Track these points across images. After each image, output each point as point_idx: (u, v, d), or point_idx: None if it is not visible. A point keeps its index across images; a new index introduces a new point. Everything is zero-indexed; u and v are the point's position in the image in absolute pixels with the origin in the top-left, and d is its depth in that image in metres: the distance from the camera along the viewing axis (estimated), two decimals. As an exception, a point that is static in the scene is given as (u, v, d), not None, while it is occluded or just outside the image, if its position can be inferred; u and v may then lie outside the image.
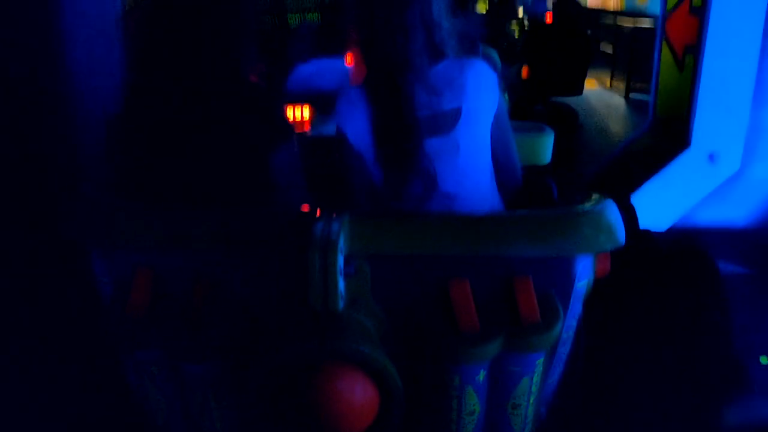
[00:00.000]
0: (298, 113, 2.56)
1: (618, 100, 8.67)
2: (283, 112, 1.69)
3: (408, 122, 1.67)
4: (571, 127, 7.06)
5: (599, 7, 15.13)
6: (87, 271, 1.56)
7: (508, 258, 1.43)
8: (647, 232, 3.02)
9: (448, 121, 1.71)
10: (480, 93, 1.73)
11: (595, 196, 1.62)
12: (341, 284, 1.28)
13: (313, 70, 3.08)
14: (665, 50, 4.46)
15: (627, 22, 9.45)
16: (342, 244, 1.29)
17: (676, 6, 4.34)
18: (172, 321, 1.45)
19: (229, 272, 1.44)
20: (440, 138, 1.70)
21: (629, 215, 3.35)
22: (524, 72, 5.68)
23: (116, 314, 1.48)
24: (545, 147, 2.03)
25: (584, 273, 1.53)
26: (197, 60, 1.59)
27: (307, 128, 2.60)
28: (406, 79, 1.68)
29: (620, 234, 1.50)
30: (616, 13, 11.94)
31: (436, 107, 1.69)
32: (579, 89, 7.60)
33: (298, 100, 2.61)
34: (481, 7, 10.45)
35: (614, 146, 5.10)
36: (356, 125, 1.73)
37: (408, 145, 1.66)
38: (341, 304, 1.28)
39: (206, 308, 1.44)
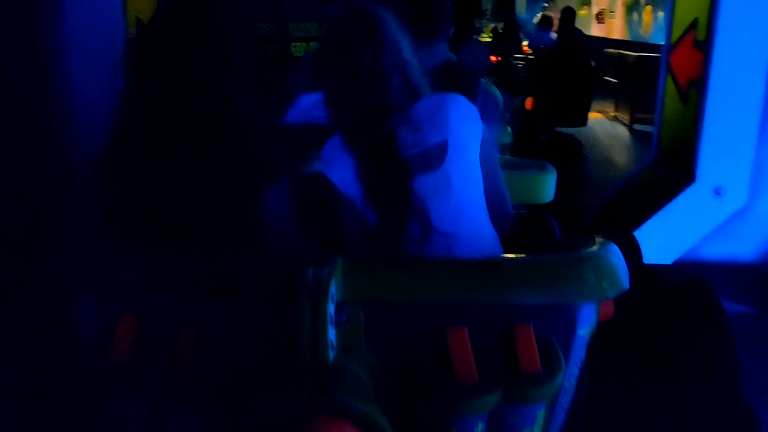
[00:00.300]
0: None
1: (622, 131, 8.65)
2: (278, 148, 1.64)
3: (395, 164, 1.64)
4: (575, 158, 7.03)
5: (604, 36, 15.22)
6: (69, 314, 1.50)
7: (508, 305, 1.37)
8: (651, 268, 2.95)
9: (436, 156, 1.67)
10: (464, 125, 1.70)
11: (598, 239, 1.56)
12: (331, 333, 1.22)
13: (314, 102, 3.02)
14: (669, 83, 4.43)
15: (631, 53, 9.45)
16: (333, 290, 1.23)
17: (680, 39, 4.33)
18: (157, 369, 1.39)
19: (216, 318, 1.38)
20: (431, 174, 1.66)
21: (633, 250, 3.29)
22: (528, 103, 5.66)
23: (98, 360, 1.42)
24: (547, 185, 1.98)
25: (587, 319, 1.48)
26: (186, 94, 1.55)
27: None
28: (386, 122, 1.66)
29: (624, 279, 1.45)
30: (620, 43, 11.99)
31: (422, 143, 1.66)
32: (583, 120, 7.60)
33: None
34: (486, 37, 10.51)
35: (618, 178, 5.07)
36: (342, 172, 1.69)
37: (398, 188, 1.62)
38: (331, 355, 1.22)
39: (192, 356, 1.38)
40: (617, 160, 7.14)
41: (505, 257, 1.56)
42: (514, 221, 2.01)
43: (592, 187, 6.05)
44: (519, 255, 1.45)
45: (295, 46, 5.68)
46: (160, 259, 1.43)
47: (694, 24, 4.15)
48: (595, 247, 1.48)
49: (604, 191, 4.95)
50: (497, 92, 2.39)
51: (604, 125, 9.04)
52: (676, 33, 4.38)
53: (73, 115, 2.74)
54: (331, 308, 1.21)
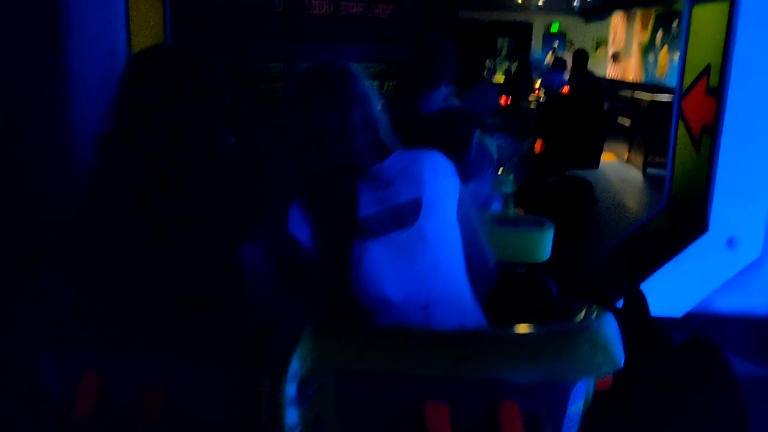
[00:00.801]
0: None
1: (635, 175, 8.53)
2: (254, 203, 1.55)
3: (347, 224, 1.56)
4: (586, 202, 6.92)
5: (618, 78, 15.19)
6: (32, 372, 1.42)
7: (492, 380, 1.27)
8: (658, 326, 2.83)
9: (408, 214, 1.59)
10: (439, 181, 1.61)
11: (594, 308, 1.46)
12: (291, 416, 1.12)
13: None
14: (681, 129, 4.34)
15: (645, 95, 9.37)
16: (295, 367, 1.13)
17: (692, 85, 4.24)
18: (120, 430, 1.30)
19: (180, 382, 1.29)
20: (404, 231, 1.57)
21: (640, 305, 3.17)
22: (537, 146, 5.58)
23: (60, 420, 1.34)
24: (544, 243, 1.88)
25: (580, 394, 1.37)
26: (159, 149, 1.47)
27: None
28: (346, 182, 1.58)
29: (620, 354, 1.33)
30: (634, 86, 11.94)
31: (392, 199, 1.58)
32: (595, 163, 7.49)
33: None
34: (499, 78, 10.49)
35: (629, 224, 4.96)
36: (302, 231, 1.60)
37: (347, 248, 1.54)
38: (292, 435, 1.12)
39: (155, 419, 1.28)
40: (629, 205, 7.02)
41: (489, 330, 1.45)
42: (510, 281, 1.90)
43: (602, 233, 5.92)
44: (505, 327, 1.34)
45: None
46: (127, 318, 1.34)
47: (707, 70, 4.06)
48: (588, 318, 1.38)
49: (615, 237, 4.84)
50: (491, 144, 2.30)
51: (617, 168, 8.92)
52: (689, 78, 4.30)
53: (73, 154, 2.69)
54: (291, 389, 1.11)
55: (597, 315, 1.41)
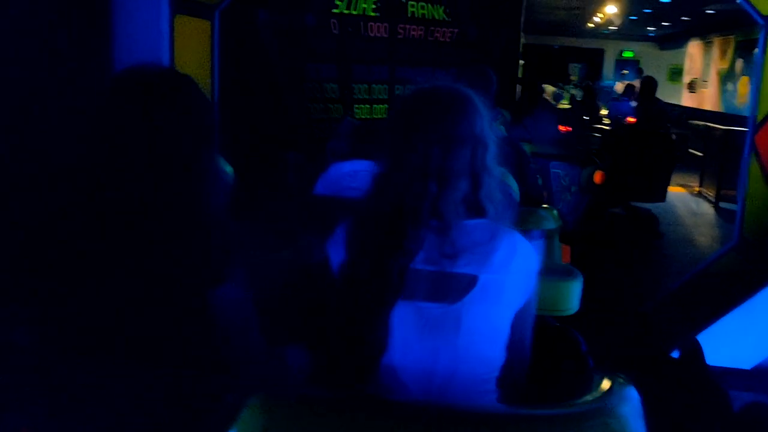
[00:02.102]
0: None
1: (706, 208, 8.08)
2: (230, 240, 1.38)
3: (394, 284, 1.35)
4: (650, 235, 6.55)
5: (695, 107, 14.64)
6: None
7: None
8: (715, 383, 2.53)
9: (456, 288, 1.36)
10: (510, 269, 1.38)
11: (620, 380, 1.22)
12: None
13: (348, 171, 2.78)
14: (754, 165, 4.00)
15: (718, 125, 8.92)
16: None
17: (767, 117, 3.91)
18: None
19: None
20: (443, 305, 1.35)
21: (696, 360, 2.87)
22: (597, 177, 5.29)
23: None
24: (573, 293, 1.66)
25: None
26: (136, 169, 1.32)
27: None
28: (412, 232, 1.36)
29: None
30: (713, 115, 11.45)
31: (448, 266, 1.35)
32: (661, 195, 7.12)
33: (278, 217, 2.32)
34: (564, 105, 10.19)
35: (697, 261, 4.62)
36: (339, 258, 1.45)
37: (372, 305, 1.34)
38: None
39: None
40: (698, 241, 6.61)
41: (483, 409, 1.23)
42: (538, 333, 1.68)
43: (665, 270, 5.56)
44: (502, 406, 1.12)
45: (358, 108, 5.54)
46: (69, 372, 1.19)
47: (783, 100, 3.74)
48: (604, 395, 1.14)
49: (678, 275, 4.51)
50: (514, 184, 2.09)
51: (687, 201, 8.48)
52: (764, 110, 3.96)
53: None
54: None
55: (618, 390, 1.18)
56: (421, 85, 1.47)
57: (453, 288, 1.35)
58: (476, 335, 1.36)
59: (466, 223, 1.38)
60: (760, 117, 4.00)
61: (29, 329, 1.36)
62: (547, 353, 1.67)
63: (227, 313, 1.34)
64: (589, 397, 1.15)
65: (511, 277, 1.37)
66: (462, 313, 1.34)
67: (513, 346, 1.42)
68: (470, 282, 1.35)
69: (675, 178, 7.82)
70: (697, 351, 2.85)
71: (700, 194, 8.77)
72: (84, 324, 1.32)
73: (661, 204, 7.37)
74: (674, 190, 8.48)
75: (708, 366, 2.86)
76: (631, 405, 1.14)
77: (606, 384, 1.21)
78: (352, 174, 2.76)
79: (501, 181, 2.09)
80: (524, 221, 2.54)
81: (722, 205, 7.83)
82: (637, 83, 9.54)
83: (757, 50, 4.19)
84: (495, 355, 1.40)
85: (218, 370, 1.32)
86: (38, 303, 1.35)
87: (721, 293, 3.82)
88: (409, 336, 1.35)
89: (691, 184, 9.23)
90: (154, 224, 1.31)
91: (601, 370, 1.30)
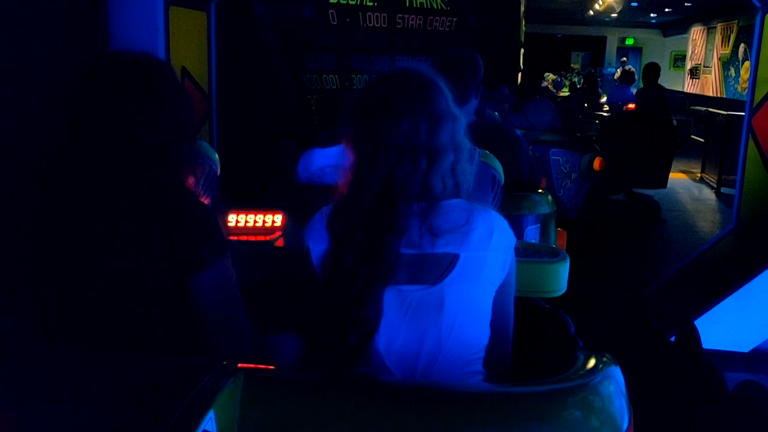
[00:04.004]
0: (269, 220, 2.23)
1: (708, 194, 8.07)
2: (212, 226, 1.39)
3: (386, 265, 1.35)
4: (652, 222, 6.54)
5: (697, 93, 14.58)
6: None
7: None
8: (710, 365, 2.55)
9: (437, 268, 1.36)
10: (489, 246, 1.38)
11: (605, 359, 1.23)
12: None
13: (331, 156, 2.74)
14: (752, 149, 4.00)
15: (720, 111, 8.88)
16: (211, 424, 0.96)
17: (764, 100, 3.91)
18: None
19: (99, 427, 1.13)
20: (424, 288, 1.36)
21: (692, 342, 2.89)
22: (597, 163, 5.28)
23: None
24: (560, 275, 1.66)
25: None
26: (113, 161, 1.32)
27: (279, 241, 2.26)
28: (403, 210, 1.36)
29: (621, 417, 1.11)
30: (714, 101, 11.40)
31: (427, 246, 1.36)
32: (662, 182, 7.11)
33: (270, 204, 2.32)
34: (564, 92, 10.18)
35: (698, 246, 4.61)
36: (320, 248, 1.43)
37: (363, 287, 1.34)
38: None
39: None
40: (700, 226, 6.60)
41: (465, 387, 1.24)
42: (527, 315, 1.69)
43: (666, 255, 5.56)
44: (484, 385, 1.13)
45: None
46: (44, 359, 1.20)
47: (780, 83, 3.73)
48: (589, 372, 1.16)
49: (679, 260, 4.51)
50: (498, 166, 2.09)
51: (689, 187, 8.46)
52: (760, 93, 3.95)
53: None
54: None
55: (602, 368, 1.19)
56: (385, 71, 1.48)
57: (434, 269, 1.35)
58: (459, 315, 1.36)
59: (444, 203, 1.39)
60: (756, 100, 3.99)
61: (10, 317, 1.37)
62: (536, 334, 1.68)
63: (208, 298, 1.35)
64: (573, 375, 1.17)
65: (490, 253, 1.38)
66: (444, 293, 1.35)
67: (495, 324, 1.43)
68: (451, 261, 1.35)
69: (677, 164, 7.80)
70: (693, 334, 2.86)
71: (702, 180, 8.75)
72: (62, 312, 1.34)
73: (663, 190, 7.36)
74: (676, 177, 8.45)
75: (703, 349, 2.88)
76: (614, 383, 1.15)
77: (591, 362, 1.23)
78: (338, 159, 2.74)
79: (480, 161, 2.10)
80: (519, 206, 2.55)
81: (724, 190, 7.80)
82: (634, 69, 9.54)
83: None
84: (479, 334, 1.41)
85: (197, 355, 1.33)
86: (18, 294, 1.37)
87: (719, 277, 3.82)
88: (393, 320, 1.36)
89: (693, 170, 9.21)
90: (130, 210, 1.32)
91: (589, 349, 1.31)
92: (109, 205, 1.32)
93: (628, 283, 4.53)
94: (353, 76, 5.49)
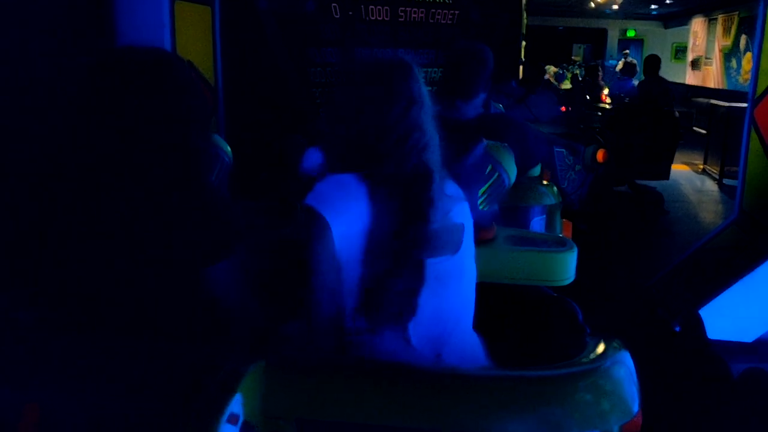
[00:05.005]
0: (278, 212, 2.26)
1: (710, 186, 8.08)
2: (229, 217, 1.41)
3: (421, 234, 1.38)
4: (655, 213, 6.56)
5: (698, 84, 14.56)
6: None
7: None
8: (715, 353, 2.58)
9: (455, 238, 1.43)
10: (469, 216, 1.49)
11: (615, 344, 1.26)
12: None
13: None
14: (754, 138, 4.02)
15: (722, 102, 8.89)
16: (238, 406, 0.99)
17: (766, 91, 3.92)
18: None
19: (125, 418, 1.16)
20: (447, 259, 1.41)
21: (696, 330, 2.91)
22: (600, 155, 5.29)
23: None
24: (568, 264, 1.69)
25: (586, 447, 1.17)
26: (125, 160, 1.35)
27: (289, 232, 2.28)
28: (432, 185, 1.40)
29: (632, 402, 1.14)
30: (716, 92, 11.39)
31: (444, 219, 1.41)
32: (665, 173, 7.12)
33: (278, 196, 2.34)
34: (566, 85, 10.19)
35: (701, 237, 4.64)
36: (348, 220, 1.39)
37: (407, 262, 1.36)
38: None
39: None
40: (702, 217, 6.62)
41: (476, 371, 1.27)
42: (533, 303, 1.72)
43: (669, 245, 5.59)
44: (494, 370, 1.16)
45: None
46: (69, 347, 1.23)
47: (782, 75, 3.75)
48: (599, 357, 1.18)
49: (682, 251, 4.53)
50: (505, 160, 2.11)
51: (691, 179, 8.48)
52: (763, 84, 3.98)
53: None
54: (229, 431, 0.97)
55: (612, 353, 1.22)
56: (363, 62, 1.58)
57: (453, 239, 1.42)
58: (471, 282, 1.45)
59: (449, 175, 1.48)
60: (759, 91, 4.01)
61: (31, 309, 1.40)
62: (545, 321, 1.71)
63: (225, 287, 1.38)
64: (583, 359, 1.20)
65: (468, 221, 1.48)
66: (463, 260, 1.42)
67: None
68: (461, 230, 1.43)
69: (679, 156, 7.80)
70: (698, 323, 2.89)
71: (704, 171, 8.76)
72: (82, 301, 1.37)
73: (665, 182, 7.37)
74: (678, 168, 8.46)
75: (708, 337, 2.90)
76: (624, 368, 1.18)
77: (600, 348, 1.26)
78: None
79: (485, 154, 2.15)
80: (525, 197, 2.58)
81: (726, 181, 7.82)
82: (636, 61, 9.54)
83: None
84: (473, 305, 1.49)
85: (212, 342, 1.36)
86: (39, 284, 1.39)
87: (722, 267, 3.85)
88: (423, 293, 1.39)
89: (695, 161, 9.22)
90: (146, 203, 1.34)
91: (598, 335, 1.34)
92: (128, 198, 1.35)
93: (632, 274, 4.56)
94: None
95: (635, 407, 1.15)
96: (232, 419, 0.98)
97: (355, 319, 1.40)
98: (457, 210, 1.46)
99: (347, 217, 1.38)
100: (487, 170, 1.86)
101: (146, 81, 1.37)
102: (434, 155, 1.44)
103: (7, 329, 1.28)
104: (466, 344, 1.42)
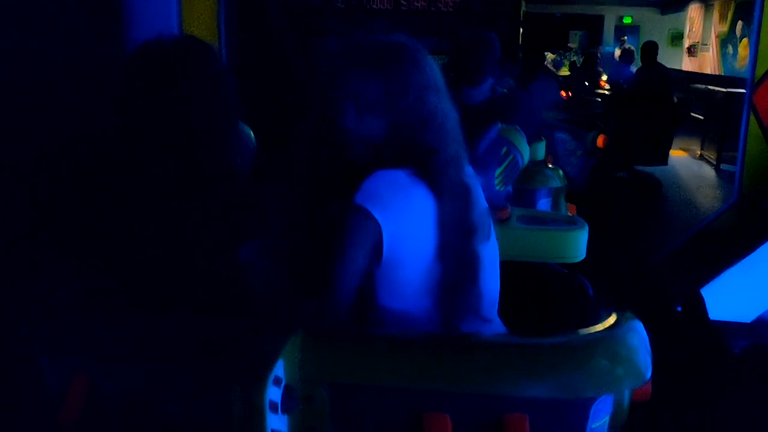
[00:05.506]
0: None
1: (708, 171, 8.16)
2: (260, 199, 1.48)
3: (473, 225, 1.39)
4: (654, 199, 6.64)
5: (695, 70, 14.61)
6: (32, 374, 1.39)
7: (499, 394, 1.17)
8: (716, 330, 2.66)
9: (489, 222, 1.46)
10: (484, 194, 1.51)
11: (627, 314, 1.33)
12: (274, 422, 1.05)
13: None
14: (753, 123, 4.09)
15: (720, 88, 8.95)
16: (279, 372, 1.06)
17: (765, 76, 3.99)
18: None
19: (167, 391, 1.23)
20: (487, 244, 1.43)
21: (698, 309, 2.99)
22: (600, 140, 5.37)
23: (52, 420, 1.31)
24: (579, 242, 1.76)
25: (602, 411, 1.24)
26: (160, 147, 1.41)
27: None
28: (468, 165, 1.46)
29: (645, 368, 1.21)
30: (712, 78, 11.44)
31: (481, 204, 1.46)
32: (663, 159, 7.20)
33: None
34: (564, 71, 10.25)
35: (699, 221, 4.72)
36: (400, 218, 1.34)
37: (471, 257, 1.38)
38: (274, 445, 1.05)
39: (139, 427, 1.23)
40: (700, 202, 6.70)
41: (492, 338, 1.33)
42: (546, 279, 1.79)
43: (668, 230, 5.66)
44: (515, 337, 1.23)
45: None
46: (117, 321, 1.30)
47: (781, 59, 3.81)
48: (612, 326, 1.25)
49: (681, 234, 4.61)
50: (519, 142, 2.17)
51: (689, 164, 8.55)
52: (761, 69, 4.04)
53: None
54: (273, 394, 1.04)
55: (625, 322, 1.29)
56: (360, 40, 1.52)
57: (488, 223, 1.45)
58: (498, 264, 1.48)
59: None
60: (758, 76, 4.08)
61: (75, 287, 1.46)
62: (555, 297, 1.77)
63: (255, 267, 1.45)
64: (599, 328, 1.27)
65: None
66: (495, 245, 1.46)
67: None
68: (490, 215, 1.46)
69: (677, 141, 7.86)
70: (700, 302, 2.96)
71: (701, 157, 8.83)
72: (125, 280, 1.43)
73: (663, 167, 7.44)
74: (676, 154, 8.53)
75: (709, 316, 2.98)
76: (638, 336, 1.25)
77: (614, 317, 1.32)
78: None
79: (499, 137, 2.20)
80: (532, 180, 2.65)
81: (723, 167, 7.89)
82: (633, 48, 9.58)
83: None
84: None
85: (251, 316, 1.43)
86: (81, 263, 1.46)
87: (722, 249, 3.92)
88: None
89: (693, 147, 9.28)
90: (188, 184, 1.41)
91: (609, 308, 1.41)
92: (166, 184, 1.41)
93: (633, 257, 4.63)
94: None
95: (648, 373, 1.22)
96: (277, 382, 1.06)
97: (433, 320, 1.39)
98: (481, 194, 1.48)
99: (400, 215, 1.34)
100: (503, 152, 1.93)
101: (183, 68, 1.43)
102: (461, 137, 1.46)
103: (58, 305, 1.35)
104: (494, 329, 1.47)
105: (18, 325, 1.37)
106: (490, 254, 1.46)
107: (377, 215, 1.32)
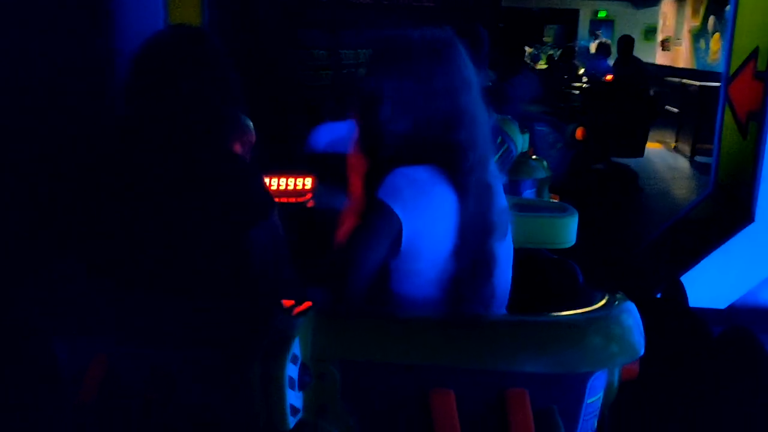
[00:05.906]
0: (300, 183, 2.40)
1: (683, 163, 8.31)
2: (263, 185, 1.53)
3: (493, 224, 1.41)
4: (630, 190, 6.77)
5: (669, 64, 14.80)
6: (47, 355, 1.43)
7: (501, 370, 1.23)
8: (696, 315, 2.74)
9: (506, 221, 1.46)
10: None
11: (619, 296, 1.40)
12: (292, 398, 1.10)
13: (342, 129, 2.89)
14: (728, 115, 4.20)
15: (694, 82, 9.11)
16: (296, 350, 1.11)
17: (740, 69, 4.10)
18: (121, 416, 1.30)
19: (184, 371, 1.28)
20: (503, 242, 1.45)
21: (678, 296, 3.08)
22: (579, 133, 5.47)
23: (69, 401, 1.35)
24: (569, 228, 1.83)
25: (598, 386, 1.32)
26: (167, 132, 1.46)
27: (310, 203, 2.43)
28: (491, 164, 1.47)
29: (638, 345, 1.28)
30: (685, 72, 11.61)
31: (499, 202, 1.47)
32: (639, 151, 7.32)
33: (300, 169, 2.47)
34: (542, 65, 10.36)
35: (675, 212, 4.83)
36: (422, 215, 1.36)
37: (488, 255, 1.40)
38: (291, 422, 1.10)
39: (157, 407, 1.27)
40: (676, 193, 6.83)
41: (495, 317, 1.40)
42: (534, 266, 1.85)
43: (646, 221, 5.78)
44: (515, 315, 1.30)
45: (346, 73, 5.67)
46: (134, 304, 1.34)
47: (755, 53, 3.91)
48: (608, 306, 1.32)
49: (658, 225, 4.71)
50: (513, 132, 2.24)
51: (664, 156, 8.70)
52: (736, 62, 4.15)
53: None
54: (291, 371, 1.09)
55: (618, 303, 1.36)
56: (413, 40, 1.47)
57: (506, 221, 1.46)
58: (511, 259, 1.51)
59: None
60: (732, 69, 4.18)
61: (88, 275, 1.50)
62: (545, 283, 1.84)
63: (260, 251, 1.49)
64: (593, 308, 1.33)
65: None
66: (510, 243, 1.49)
67: None
68: (507, 212, 1.48)
69: (652, 134, 8.00)
70: (679, 289, 3.05)
71: (676, 149, 8.98)
72: (133, 265, 1.47)
73: (639, 160, 7.57)
74: (652, 146, 8.66)
75: (688, 303, 3.07)
76: (631, 315, 1.32)
77: (607, 299, 1.39)
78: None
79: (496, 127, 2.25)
80: (517, 171, 2.71)
81: (698, 159, 8.05)
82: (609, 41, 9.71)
83: (729, 7, 4.36)
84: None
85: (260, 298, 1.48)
86: (81, 263, 1.50)
87: (698, 239, 4.02)
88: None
89: (668, 140, 9.44)
90: (190, 173, 1.45)
91: (601, 290, 1.47)
92: (171, 170, 1.45)
93: (612, 247, 4.73)
94: (341, 51, 5.60)
95: (641, 351, 1.29)
96: (294, 359, 1.11)
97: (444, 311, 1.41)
98: (501, 192, 1.49)
99: (421, 214, 1.36)
100: (498, 141, 1.98)
101: (190, 58, 1.48)
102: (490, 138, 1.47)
103: (74, 289, 1.39)
104: None
105: (30, 310, 1.41)
106: (505, 251, 1.48)
107: (399, 212, 1.34)
